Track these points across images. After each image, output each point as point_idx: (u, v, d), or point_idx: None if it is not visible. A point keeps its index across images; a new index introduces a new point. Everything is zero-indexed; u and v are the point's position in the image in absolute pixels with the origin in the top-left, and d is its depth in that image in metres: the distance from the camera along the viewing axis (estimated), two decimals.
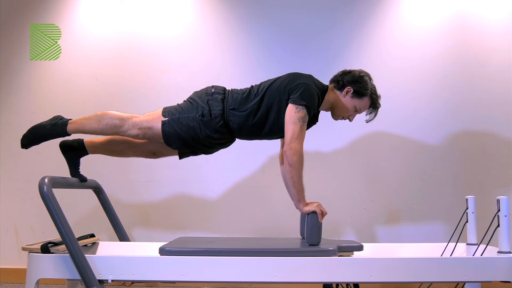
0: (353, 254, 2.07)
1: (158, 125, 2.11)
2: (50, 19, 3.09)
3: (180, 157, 2.29)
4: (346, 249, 2.05)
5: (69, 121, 2.16)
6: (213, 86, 2.20)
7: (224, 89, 2.20)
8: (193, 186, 2.95)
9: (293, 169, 2.01)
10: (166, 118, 2.11)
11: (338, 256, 1.97)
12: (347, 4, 3.01)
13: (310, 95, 2.07)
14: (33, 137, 2.16)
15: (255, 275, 1.84)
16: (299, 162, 2.01)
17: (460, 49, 2.96)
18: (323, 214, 2.03)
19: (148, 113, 2.19)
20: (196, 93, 2.22)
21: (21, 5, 3.10)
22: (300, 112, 2.03)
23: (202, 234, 2.89)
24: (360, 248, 2.07)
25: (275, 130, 2.17)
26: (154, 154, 2.34)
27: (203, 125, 2.09)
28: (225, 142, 2.23)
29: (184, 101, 2.21)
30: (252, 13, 3.03)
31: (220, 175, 2.95)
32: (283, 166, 2.34)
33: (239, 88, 2.23)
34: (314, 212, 2.02)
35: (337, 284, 2.12)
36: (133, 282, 2.03)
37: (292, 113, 2.03)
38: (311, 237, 2.01)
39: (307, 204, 2.06)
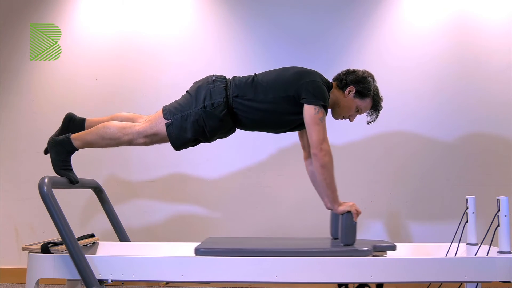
0: (386, 254, 2.07)
1: (163, 129, 2.07)
2: (50, 19, 3.09)
3: (177, 149, 2.21)
4: (380, 249, 2.06)
5: (71, 137, 2.11)
6: (213, 74, 2.17)
7: (225, 77, 2.17)
8: (193, 186, 2.95)
9: (326, 170, 2.01)
10: (169, 120, 2.07)
11: (373, 256, 1.97)
12: (347, 4, 3.01)
13: (323, 93, 2.06)
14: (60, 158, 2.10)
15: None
16: (331, 162, 2.02)
17: (460, 49, 2.96)
18: (358, 213, 2.03)
19: (147, 117, 2.16)
20: (196, 82, 2.18)
21: (21, 5, 3.10)
22: (320, 112, 2.02)
23: (202, 234, 2.89)
24: (393, 248, 2.08)
25: (278, 124, 2.16)
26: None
27: (206, 116, 2.05)
28: (228, 130, 2.19)
29: (183, 95, 2.17)
30: (252, 14, 3.03)
31: (220, 175, 2.95)
32: (309, 168, 2.34)
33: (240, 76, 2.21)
34: (349, 212, 2.02)
35: (346, 285, 2.12)
36: (167, 282, 2.02)
37: (313, 114, 2.02)
38: (347, 237, 2.01)
39: (341, 204, 2.06)
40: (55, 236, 2.06)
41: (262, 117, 2.12)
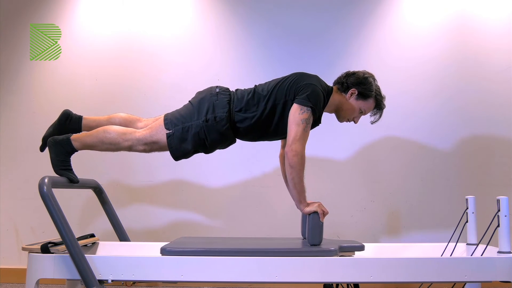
0: (354, 254, 2.07)
1: (164, 138, 2.06)
2: (50, 19, 3.09)
3: (177, 159, 2.20)
4: (347, 249, 2.05)
5: (71, 137, 2.11)
6: (217, 86, 2.16)
7: (229, 89, 2.16)
8: (193, 186, 2.95)
9: (294, 170, 2.00)
10: (170, 131, 2.06)
11: (340, 256, 1.97)
12: (347, 4, 3.01)
13: (317, 97, 2.05)
14: (59, 159, 2.10)
15: (256, 275, 1.84)
16: (300, 163, 1.99)
17: (460, 49, 2.96)
18: (324, 213, 2.02)
19: (149, 122, 2.14)
20: (199, 93, 2.17)
21: (21, 5, 3.10)
22: (305, 113, 2.01)
23: (202, 234, 2.89)
24: (361, 248, 2.07)
25: (280, 131, 2.15)
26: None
27: (207, 129, 2.05)
28: (229, 143, 2.20)
29: (185, 105, 2.16)
30: (252, 13, 3.03)
31: (220, 175, 2.95)
32: (284, 167, 2.34)
33: (242, 88, 2.20)
34: (315, 212, 2.01)
35: (337, 284, 2.12)
36: (134, 282, 2.02)
37: (296, 114, 2.01)
38: (313, 237, 2.01)
39: (308, 205, 2.05)
40: (55, 236, 2.06)
41: (264, 130, 2.13)
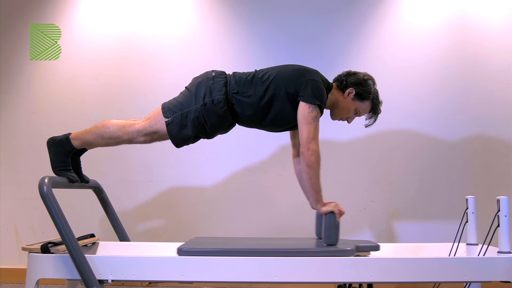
0: (370, 254, 2.06)
1: (163, 127, 2.07)
2: (50, 19, 3.09)
3: (178, 146, 2.18)
4: (363, 249, 2.05)
5: (70, 136, 2.10)
6: (213, 70, 2.16)
7: (224, 72, 2.16)
8: (193, 186, 2.95)
9: (311, 169, 2.02)
10: (169, 118, 2.06)
11: (355, 256, 1.96)
12: (347, 4, 3.01)
13: (321, 93, 2.06)
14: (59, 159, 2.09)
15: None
16: (317, 162, 2.02)
17: (460, 49, 2.96)
18: (341, 213, 2.03)
19: (148, 116, 2.15)
20: (196, 78, 2.17)
21: (21, 5, 3.10)
22: (314, 111, 2.02)
23: (201, 234, 2.89)
24: (376, 248, 2.07)
25: (277, 122, 2.15)
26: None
27: (205, 113, 2.05)
28: (228, 125, 2.19)
29: (182, 91, 2.16)
30: (252, 14, 3.03)
31: (220, 174, 2.95)
32: (297, 167, 2.34)
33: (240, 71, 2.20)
34: (332, 212, 2.02)
35: (350, 285, 2.12)
36: (150, 282, 2.02)
37: (306, 113, 2.02)
38: (329, 237, 2.00)
39: (324, 204, 2.05)
40: (55, 236, 2.06)
41: (261, 114, 2.11)
